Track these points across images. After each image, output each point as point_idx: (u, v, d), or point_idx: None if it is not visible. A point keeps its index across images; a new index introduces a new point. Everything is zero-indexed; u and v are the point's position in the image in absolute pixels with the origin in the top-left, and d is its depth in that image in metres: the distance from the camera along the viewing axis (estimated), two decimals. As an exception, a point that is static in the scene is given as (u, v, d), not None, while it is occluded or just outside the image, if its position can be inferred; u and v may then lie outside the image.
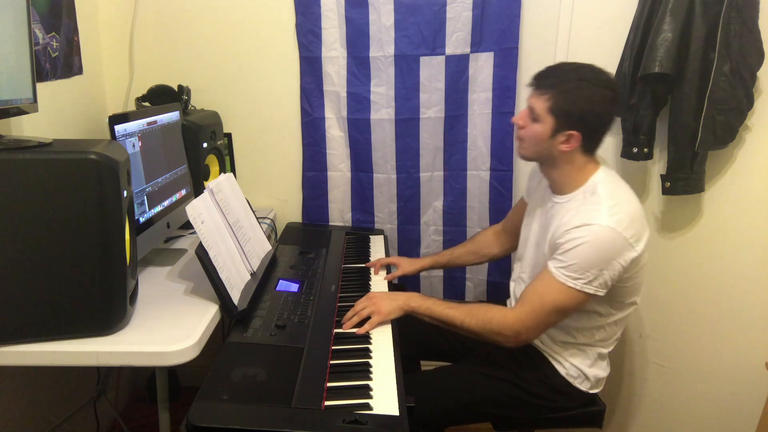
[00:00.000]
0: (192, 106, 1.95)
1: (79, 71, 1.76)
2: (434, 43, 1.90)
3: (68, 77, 1.69)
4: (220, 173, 1.82)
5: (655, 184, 1.82)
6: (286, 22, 1.94)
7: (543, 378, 1.45)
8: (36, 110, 1.27)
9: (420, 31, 1.89)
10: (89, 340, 1.11)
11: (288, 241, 1.90)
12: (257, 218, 1.68)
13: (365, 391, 1.11)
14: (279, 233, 2.06)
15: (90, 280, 1.07)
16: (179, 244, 1.73)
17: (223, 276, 1.27)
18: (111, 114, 1.34)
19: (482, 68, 1.94)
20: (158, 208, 1.56)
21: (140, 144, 1.46)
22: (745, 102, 1.60)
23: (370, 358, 1.24)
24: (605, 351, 1.45)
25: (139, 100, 1.86)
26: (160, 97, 1.83)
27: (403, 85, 1.95)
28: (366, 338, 1.32)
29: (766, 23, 1.57)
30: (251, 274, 1.45)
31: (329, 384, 1.11)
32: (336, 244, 1.90)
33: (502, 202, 2.03)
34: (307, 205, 2.13)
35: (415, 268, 1.78)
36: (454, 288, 2.17)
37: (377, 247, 1.93)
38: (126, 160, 1.14)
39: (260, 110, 2.05)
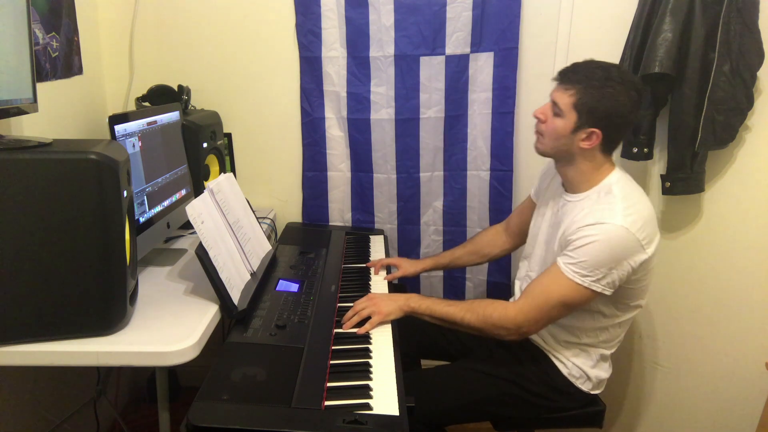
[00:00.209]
0: (192, 106, 1.95)
1: (79, 71, 1.76)
2: (434, 43, 1.90)
3: (68, 77, 1.69)
4: (220, 173, 1.82)
5: (655, 184, 1.81)
6: (286, 22, 1.94)
7: (545, 377, 1.45)
8: (36, 110, 1.27)
9: (420, 31, 1.89)
10: (89, 340, 1.11)
11: (288, 241, 1.90)
12: (257, 218, 1.68)
13: (365, 391, 1.11)
14: (279, 233, 2.06)
15: (90, 280, 1.07)
16: (179, 244, 1.73)
17: (223, 276, 1.27)
18: (111, 114, 1.34)
19: (482, 68, 1.94)
20: (158, 208, 1.56)
21: (140, 144, 1.46)
22: (745, 102, 1.60)
23: (370, 358, 1.24)
24: (608, 352, 1.45)
25: (139, 100, 1.86)
26: (160, 97, 1.83)
27: (403, 85, 1.95)
28: (366, 338, 1.32)
29: (766, 23, 1.57)
30: (251, 274, 1.45)
31: (329, 384, 1.11)
32: (336, 244, 1.90)
33: (502, 202, 2.03)
34: (307, 205, 2.13)
35: (416, 269, 1.78)
36: (454, 288, 2.17)
37: (377, 247, 1.93)
38: (126, 160, 1.14)
39: (260, 110, 2.05)
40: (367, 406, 1.06)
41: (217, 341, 1.31)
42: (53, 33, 1.58)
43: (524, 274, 1.58)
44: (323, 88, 1.99)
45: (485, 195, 2.05)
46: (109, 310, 1.12)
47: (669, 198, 1.80)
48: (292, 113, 2.04)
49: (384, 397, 1.09)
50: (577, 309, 1.34)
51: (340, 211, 2.13)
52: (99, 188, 1.05)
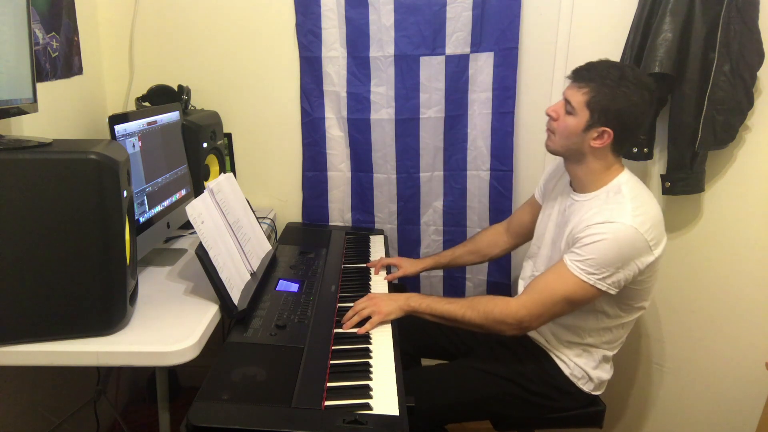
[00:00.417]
0: (192, 106, 1.95)
1: (79, 71, 1.76)
2: (434, 43, 1.90)
3: (68, 77, 1.69)
4: (220, 173, 1.82)
5: (655, 184, 1.81)
6: (286, 22, 1.94)
7: (546, 377, 1.45)
8: (36, 110, 1.27)
9: (420, 31, 1.89)
10: (89, 340, 1.11)
11: (288, 241, 1.90)
12: (257, 218, 1.68)
13: (365, 391, 1.11)
14: (279, 233, 2.06)
15: (90, 280, 1.07)
16: (179, 244, 1.73)
17: (223, 276, 1.27)
18: (111, 114, 1.34)
19: (482, 68, 1.94)
20: (158, 208, 1.56)
21: (140, 144, 1.46)
22: (745, 102, 1.60)
23: (370, 358, 1.24)
24: (610, 353, 1.45)
25: (139, 100, 1.86)
26: (160, 97, 1.83)
27: (403, 85, 1.95)
28: (366, 338, 1.32)
29: (766, 23, 1.57)
30: (251, 274, 1.45)
31: (329, 384, 1.11)
32: (336, 244, 1.90)
33: (502, 202, 2.03)
34: (307, 205, 2.13)
35: (416, 269, 1.78)
36: (454, 288, 2.17)
37: (377, 247, 1.93)
38: (126, 160, 1.14)
39: (260, 110, 2.04)
40: (367, 406, 1.06)
41: (217, 341, 1.31)
42: (53, 33, 1.58)
43: (529, 273, 1.58)
44: (323, 88, 1.98)
45: (485, 195, 2.05)
46: (109, 310, 1.12)
47: (669, 198, 1.79)
48: (292, 113, 2.04)
49: (384, 397, 1.09)
50: (580, 306, 1.34)
51: (340, 211, 2.13)
52: (99, 188, 1.05)
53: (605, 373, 1.47)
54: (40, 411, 1.65)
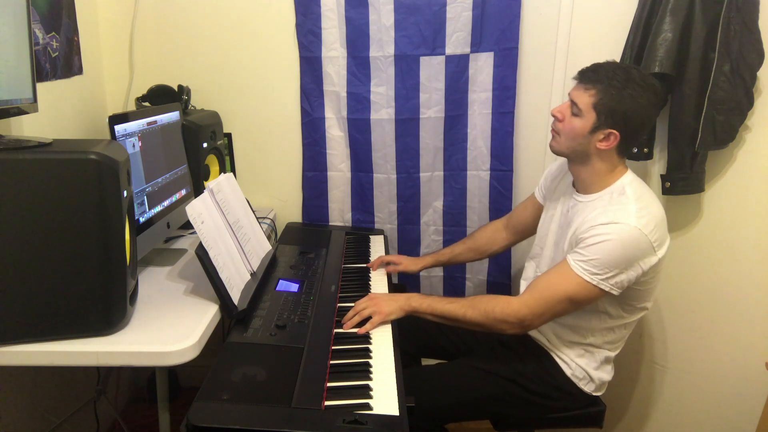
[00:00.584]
0: (192, 106, 1.95)
1: (79, 71, 1.76)
2: (434, 43, 1.90)
3: (68, 77, 1.69)
4: (220, 173, 1.82)
5: (655, 184, 1.81)
6: (286, 22, 1.94)
7: (546, 377, 1.45)
8: (36, 110, 1.27)
9: (420, 31, 1.89)
10: (89, 340, 1.11)
11: (288, 241, 1.90)
12: (257, 218, 1.68)
13: (365, 391, 1.11)
14: (279, 233, 2.06)
15: (90, 280, 1.07)
16: (179, 244, 1.73)
17: (223, 276, 1.27)
18: (111, 114, 1.34)
19: (482, 68, 1.94)
20: (158, 208, 1.56)
21: (140, 144, 1.46)
22: (745, 102, 1.60)
23: (370, 358, 1.24)
24: (612, 354, 1.45)
25: (139, 100, 1.86)
26: (160, 97, 1.83)
27: (403, 85, 1.95)
28: (366, 338, 1.32)
29: (766, 23, 1.57)
30: (251, 274, 1.45)
31: (329, 384, 1.11)
32: (336, 244, 1.90)
33: (502, 202, 2.03)
34: (307, 205, 2.13)
35: (416, 267, 1.78)
36: (454, 288, 2.17)
37: (377, 247, 1.93)
38: (126, 160, 1.14)
39: (260, 110, 2.04)
40: (367, 406, 1.06)
41: (217, 341, 1.31)
42: (53, 33, 1.58)
43: (532, 274, 1.58)
44: (323, 88, 1.98)
45: (485, 195, 2.05)
46: (109, 310, 1.12)
47: (669, 198, 1.79)
48: (292, 113, 2.04)
49: (384, 397, 1.09)
50: (582, 306, 1.34)
51: (340, 211, 2.13)
52: (99, 188, 1.05)
53: (606, 374, 1.46)
54: (40, 411, 1.65)
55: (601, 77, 1.28)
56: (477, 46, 1.91)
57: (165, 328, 1.18)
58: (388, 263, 1.77)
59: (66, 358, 1.10)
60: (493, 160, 2.01)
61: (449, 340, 1.66)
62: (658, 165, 1.83)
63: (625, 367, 2.01)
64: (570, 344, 1.45)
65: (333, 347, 1.26)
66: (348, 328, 1.35)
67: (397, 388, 1.12)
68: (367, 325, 1.35)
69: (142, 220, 1.43)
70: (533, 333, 1.51)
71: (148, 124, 1.52)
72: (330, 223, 2.14)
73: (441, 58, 1.92)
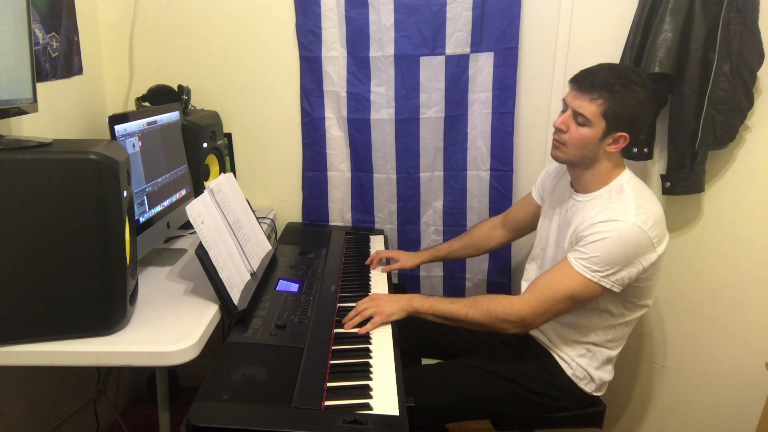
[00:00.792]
0: (192, 106, 1.95)
1: (79, 71, 1.76)
2: (434, 43, 1.90)
3: (68, 77, 1.69)
4: (220, 173, 1.82)
5: (655, 184, 1.81)
6: (286, 22, 1.94)
7: (547, 376, 1.45)
8: (36, 110, 1.27)
9: (420, 31, 1.89)
10: (89, 340, 1.11)
11: (288, 241, 1.90)
12: (257, 218, 1.68)
13: (365, 391, 1.11)
14: (279, 233, 2.06)
15: (90, 280, 1.07)
16: (179, 244, 1.73)
17: (223, 276, 1.27)
18: (111, 114, 1.34)
19: (482, 68, 1.94)
20: (158, 208, 1.56)
21: (140, 144, 1.46)
22: (745, 102, 1.60)
23: (371, 358, 1.24)
24: (613, 353, 1.45)
25: (139, 100, 1.86)
26: (160, 97, 1.83)
27: (403, 85, 1.95)
28: (366, 338, 1.32)
29: (766, 23, 1.57)
30: (251, 274, 1.45)
31: (329, 384, 1.11)
32: (336, 244, 1.90)
33: (502, 202, 2.03)
34: (307, 205, 2.13)
35: (414, 262, 1.78)
36: (454, 288, 2.17)
37: (377, 247, 1.93)
38: (126, 160, 1.14)
39: (260, 110, 2.04)
40: (367, 406, 1.06)
41: (217, 341, 1.31)
42: (53, 33, 1.58)
43: (533, 276, 1.58)
44: (323, 88, 1.98)
45: (485, 195, 2.05)
46: (109, 310, 1.12)
47: (669, 198, 1.79)
48: (292, 113, 2.04)
49: (384, 397, 1.09)
50: (583, 304, 1.35)
51: (340, 211, 2.13)
52: (99, 188, 1.05)
53: (607, 374, 1.47)
54: (40, 411, 1.65)
55: (601, 84, 1.29)
56: (477, 46, 1.91)
57: (165, 328, 1.18)
58: (386, 262, 1.77)
59: (66, 358, 1.10)
60: (493, 160, 2.01)
61: (449, 340, 1.66)
62: (658, 165, 1.83)
63: (625, 367, 2.01)
64: (571, 343, 1.45)
65: (333, 347, 1.26)
66: (349, 328, 1.35)
67: (397, 388, 1.12)
68: (368, 326, 1.35)
69: (142, 220, 1.44)
70: (534, 332, 1.52)
71: (148, 124, 1.52)
72: (330, 223, 2.14)
73: (441, 58, 1.92)
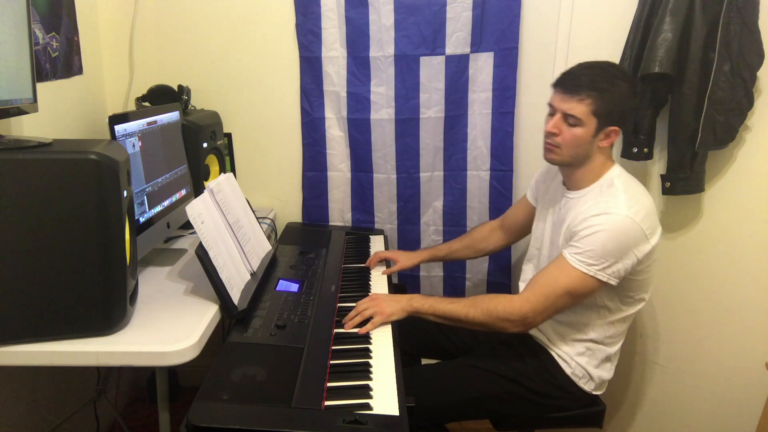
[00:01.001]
0: (192, 106, 1.95)
1: (79, 71, 1.76)
2: (434, 43, 1.90)
3: (68, 77, 1.69)
4: (220, 173, 1.82)
5: (655, 184, 1.81)
6: (286, 22, 1.94)
7: (547, 376, 1.45)
8: (36, 110, 1.27)
9: (420, 31, 1.89)
10: (89, 340, 1.11)
11: (288, 241, 1.90)
12: (257, 218, 1.68)
13: (365, 391, 1.11)
14: (279, 233, 2.06)
15: (90, 280, 1.07)
16: (179, 244, 1.73)
17: (223, 276, 1.27)
18: (111, 114, 1.34)
19: (482, 68, 1.94)
20: (158, 208, 1.56)
21: (140, 144, 1.46)
22: (745, 102, 1.60)
23: (371, 358, 1.24)
24: (612, 351, 1.46)
25: (139, 100, 1.86)
26: (160, 97, 1.83)
27: (403, 85, 1.95)
28: (366, 338, 1.32)
29: (766, 23, 1.57)
30: (251, 274, 1.45)
31: (329, 384, 1.11)
32: (336, 244, 1.90)
33: (502, 202, 2.03)
34: (307, 205, 2.13)
35: (413, 262, 1.78)
36: (454, 288, 2.17)
37: (377, 247, 1.93)
38: (126, 160, 1.14)
39: (260, 110, 2.04)
40: (367, 406, 1.06)
41: (217, 341, 1.31)
42: (53, 33, 1.58)
43: (530, 276, 1.58)
44: (323, 88, 1.98)
45: (485, 195, 2.05)
46: (109, 310, 1.12)
47: (669, 198, 1.79)
48: (292, 113, 2.04)
49: (384, 397, 1.09)
50: (582, 299, 1.35)
51: (340, 211, 2.13)
52: (99, 188, 1.05)
53: (606, 372, 1.47)
54: (40, 411, 1.65)
55: (587, 83, 1.31)
56: (477, 46, 1.91)
57: (165, 328, 1.18)
58: (386, 262, 1.77)
59: (66, 358, 1.10)
60: (493, 160, 2.01)
61: (449, 339, 1.66)
62: (658, 165, 1.83)
63: (626, 367, 2.01)
64: (570, 342, 1.45)
65: (333, 347, 1.26)
66: (349, 328, 1.35)
67: (397, 388, 1.12)
68: (368, 326, 1.35)
69: (142, 220, 1.44)
70: (533, 331, 1.52)
71: (148, 124, 1.52)
72: (330, 223, 2.14)
73: (441, 58, 1.92)
